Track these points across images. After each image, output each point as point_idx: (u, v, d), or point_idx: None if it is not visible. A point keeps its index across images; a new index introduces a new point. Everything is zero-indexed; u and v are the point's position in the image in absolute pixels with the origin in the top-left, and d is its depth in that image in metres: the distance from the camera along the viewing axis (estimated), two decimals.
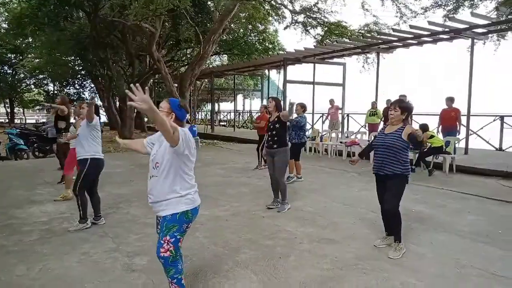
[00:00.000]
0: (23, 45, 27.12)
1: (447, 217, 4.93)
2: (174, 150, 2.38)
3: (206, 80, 29.10)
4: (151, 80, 25.32)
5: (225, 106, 41.49)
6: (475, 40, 10.04)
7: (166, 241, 2.45)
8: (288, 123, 5.48)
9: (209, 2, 16.40)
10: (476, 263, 3.45)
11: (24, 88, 35.18)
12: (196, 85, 32.71)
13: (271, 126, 5.37)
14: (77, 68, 25.13)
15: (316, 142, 11.17)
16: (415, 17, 12.88)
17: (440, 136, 8.99)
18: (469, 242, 4.00)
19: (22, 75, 32.31)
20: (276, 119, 5.32)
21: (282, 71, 15.32)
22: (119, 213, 5.12)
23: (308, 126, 15.97)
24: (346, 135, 11.33)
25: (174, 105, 2.57)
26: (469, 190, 6.32)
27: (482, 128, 11.24)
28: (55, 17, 11.08)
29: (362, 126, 13.17)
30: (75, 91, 34.14)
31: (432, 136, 7.94)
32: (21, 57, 29.26)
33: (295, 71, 38.05)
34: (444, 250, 3.80)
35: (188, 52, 22.85)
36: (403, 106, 3.69)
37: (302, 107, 7.38)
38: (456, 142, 8.55)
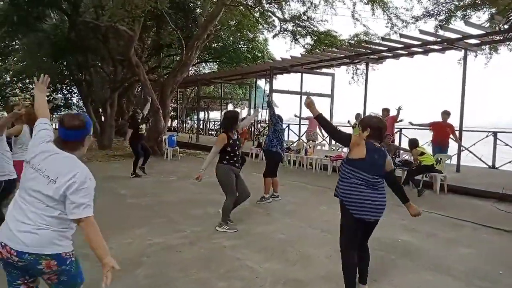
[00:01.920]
0: (9, 48, 26.30)
1: (438, 250, 4.27)
2: None
3: (196, 88, 28.45)
4: (138, 88, 24.60)
5: (216, 114, 40.76)
6: (467, 52, 9.54)
7: None
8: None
9: (196, 10, 15.85)
10: None
11: (9, 93, 34.17)
12: (185, 93, 32.06)
13: (241, 144, 4.81)
14: (65, 73, 24.37)
15: (301, 155, 10.52)
16: (406, 27, 12.43)
17: (430, 150, 8.44)
18: (465, 287, 3.33)
19: (8, 79, 31.35)
20: (238, 135, 4.75)
21: (271, 80, 14.76)
22: None
23: (292, 138, 15.44)
24: (332, 148, 10.71)
25: None
26: (462, 215, 5.68)
27: (474, 144, 10.69)
28: (25, 17, 10.39)
29: None
30: (62, 97, 33.30)
31: (422, 153, 7.33)
32: (6, 61, 28.41)
33: (284, 80, 37.70)
34: None
35: (176, 58, 22.23)
36: (362, 124, 3.07)
37: None
38: (447, 159, 7.95)
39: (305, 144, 11.07)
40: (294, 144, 11.88)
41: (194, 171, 9.97)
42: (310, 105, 3.08)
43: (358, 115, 11.00)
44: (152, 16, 12.36)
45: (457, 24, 11.40)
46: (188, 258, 3.86)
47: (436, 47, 10.16)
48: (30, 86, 32.60)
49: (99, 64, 17.36)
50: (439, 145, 8.48)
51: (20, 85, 32.09)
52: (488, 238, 4.78)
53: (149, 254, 3.91)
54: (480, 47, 10.01)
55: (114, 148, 14.86)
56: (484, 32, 8.56)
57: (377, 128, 3.00)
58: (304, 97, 3.89)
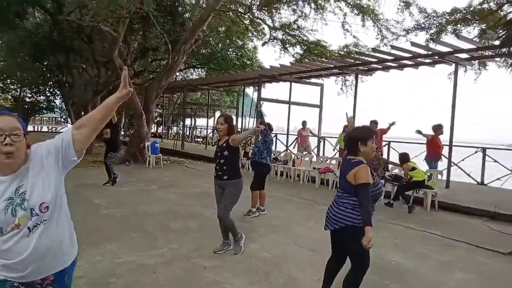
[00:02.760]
0: None
1: (432, 273, 3.99)
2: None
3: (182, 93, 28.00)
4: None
5: (203, 121, 40.25)
6: (458, 66, 9.45)
7: None
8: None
9: (185, 14, 15.54)
10: None
11: None
12: (172, 99, 31.57)
13: (219, 153, 4.29)
14: (48, 75, 23.58)
15: (288, 166, 10.22)
16: (396, 39, 12.35)
17: (424, 165, 8.25)
18: None
19: None
20: (224, 144, 4.25)
21: (259, 88, 14.50)
22: None
23: (279, 148, 15.18)
24: (320, 160, 10.44)
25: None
26: (455, 235, 5.44)
27: (463, 160, 10.60)
28: (3, 14, 9.90)
29: (336, 152, 12.13)
30: (45, 98, 32.33)
31: (413, 168, 7.11)
32: None
33: (273, 89, 37.62)
34: None
35: (163, 63, 21.79)
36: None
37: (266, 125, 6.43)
38: (438, 174, 7.74)
39: (293, 155, 10.77)
40: (282, 155, 11.58)
41: (177, 179, 9.59)
42: (352, 123, 3.63)
43: (346, 127, 10.79)
44: (138, 18, 11.98)
45: (447, 39, 11.37)
46: (162, 279, 3.48)
47: (426, 60, 10.06)
48: (12, 87, 31.57)
49: (83, 65, 16.83)
50: (434, 159, 8.33)
51: (1, 85, 31.01)
52: (483, 260, 4.52)
53: (119, 274, 3.51)
54: (471, 61, 9.96)
55: (95, 154, 14.30)
56: (475, 47, 8.48)
57: (346, 138, 3.03)
58: (349, 114, 3.76)
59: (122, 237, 4.64)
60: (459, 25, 10.89)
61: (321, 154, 13.54)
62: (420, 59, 10.04)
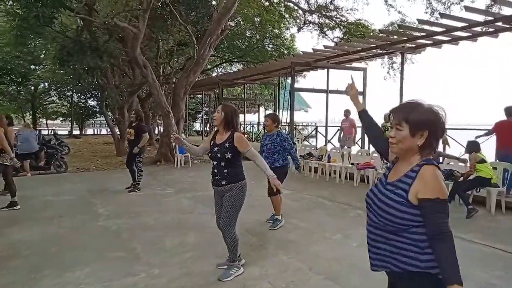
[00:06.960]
0: (36, 55, 26.62)
1: None
2: None
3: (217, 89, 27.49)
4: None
5: (252, 117, 39.35)
6: None
7: None
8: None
9: (212, 2, 14.79)
10: None
11: (47, 100, 34.94)
12: (212, 96, 31.19)
13: (218, 154, 3.34)
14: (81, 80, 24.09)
15: (323, 162, 9.06)
16: (448, 8, 10.58)
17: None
18: None
19: (47, 87, 31.90)
20: (227, 143, 3.32)
21: (292, 77, 13.41)
22: None
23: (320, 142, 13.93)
24: (359, 154, 9.14)
25: None
26: None
27: None
28: (27, 18, 9.83)
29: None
30: (97, 102, 33.59)
31: (483, 161, 5.61)
32: (38, 68, 28.92)
33: (314, 77, 35.96)
34: None
35: None
36: (414, 120, 1.61)
37: (274, 121, 5.28)
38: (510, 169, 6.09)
39: (328, 150, 9.58)
40: (317, 150, 10.43)
41: (200, 181, 8.81)
42: (354, 96, 2.15)
43: (387, 116, 9.36)
44: (161, 12, 11.40)
45: None
46: None
47: (487, 29, 8.36)
48: (68, 94, 33.11)
49: (115, 67, 16.72)
50: (507, 151, 6.43)
51: (59, 91, 32.51)
52: None
53: None
54: None
55: None
56: None
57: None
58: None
59: (101, 258, 3.91)
60: None
61: (365, 147, 12.15)
62: (478, 29, 8.36)
